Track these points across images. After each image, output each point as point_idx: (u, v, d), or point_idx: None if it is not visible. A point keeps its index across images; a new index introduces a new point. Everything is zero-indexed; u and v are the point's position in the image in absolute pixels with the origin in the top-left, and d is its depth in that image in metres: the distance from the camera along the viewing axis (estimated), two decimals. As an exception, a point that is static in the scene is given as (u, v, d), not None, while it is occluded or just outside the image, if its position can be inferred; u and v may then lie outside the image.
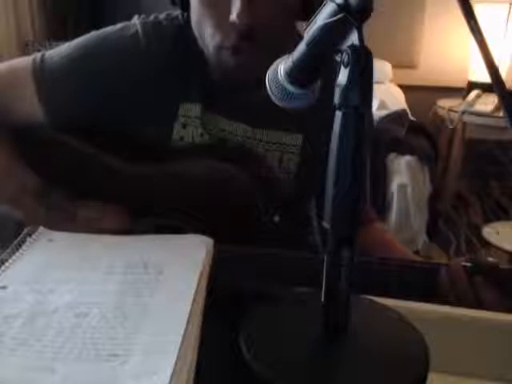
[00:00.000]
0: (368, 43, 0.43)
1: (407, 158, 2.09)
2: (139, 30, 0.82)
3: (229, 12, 0.72)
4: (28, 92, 0.81)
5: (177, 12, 0.84)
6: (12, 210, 0.75)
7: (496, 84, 0.39)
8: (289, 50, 0.52)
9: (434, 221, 2.23)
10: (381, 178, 2.00)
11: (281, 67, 0.52)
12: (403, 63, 3.07)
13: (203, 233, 0.63)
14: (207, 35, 0.77)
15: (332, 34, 0.46)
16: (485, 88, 2.66)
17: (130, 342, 0.45)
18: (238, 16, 0.71)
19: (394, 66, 2.97)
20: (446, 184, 2.77)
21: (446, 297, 0.66)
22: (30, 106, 0.82)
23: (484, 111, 2.58)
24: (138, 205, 0.75)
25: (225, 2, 0.72)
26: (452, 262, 0.70)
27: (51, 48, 0.86)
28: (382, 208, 1.95)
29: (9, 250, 0.59)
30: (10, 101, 0.82)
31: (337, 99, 0.44)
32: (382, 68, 2.86)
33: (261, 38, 0.74)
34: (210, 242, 0.62)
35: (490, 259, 0.69)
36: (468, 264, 0.68)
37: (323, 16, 0.46)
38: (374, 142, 1.72)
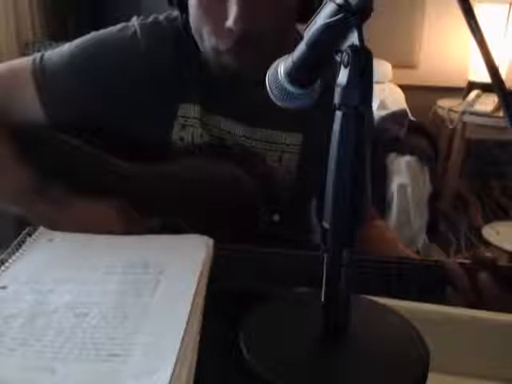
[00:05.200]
0: (368, 43, 0.43)
1: (407, 158, 2.09)
2: (138, 31, 0.82)
3: (226, 16, 0.71)
4: (28, 92, 0.81)
5: (177, 12, 0.84)
6: (12, 208, 0.75)
7: (496, 84, 0.39)
8: (289, 50, 0.52)
9: (433, 221, 2.22)
10: (381, 178, 2.00)
11: (281, 67, 0.52)
12: (403, 63, 3.07)
13: (203, 233, 0.63)
14: (205, 37, 0.77)
15: (332, 34, 0.46)
16: (485, 88, 2.66)
17: (129, 341, 0.45)
18: (235, 22, 0.70)
19: (393, 66, 2.97)
20: (446, 184, 2.77)
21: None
22: (29, 106, 0.82)
23: (484, 111, 2.58)
24: (138, 205, 0.75)
25: (222, 6, 0.72)
26: (449, 260, 0.71)
27: (51, 48, 0.86)
28: (382, 208, 1.95)
29: (9, 250, 0.59)
30: (10, 101, 0.82)
31: (337, 99, 0.44)
32: (382, 68, 2.86)
33: (259, 41, 0.74)
34: (210, 241, 0.62)
35: (488, 254, 0.69)
36: (466, 262, 0.68)
37: (323, 16, 0.46)
38: (373, 142, 1.72)
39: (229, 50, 0.75)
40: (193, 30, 0.79)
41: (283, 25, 0.77)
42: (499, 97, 0.39)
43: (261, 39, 0.74)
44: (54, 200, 0.75)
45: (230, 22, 0.71)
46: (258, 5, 0.71)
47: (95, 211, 0.74)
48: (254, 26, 0.72)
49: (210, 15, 0.74)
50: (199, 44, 0.79)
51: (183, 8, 0.80)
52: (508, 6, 2.66)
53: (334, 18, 0.44)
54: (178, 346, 0.44)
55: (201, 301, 0.51)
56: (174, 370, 0.41)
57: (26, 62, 0.83)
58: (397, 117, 2.21)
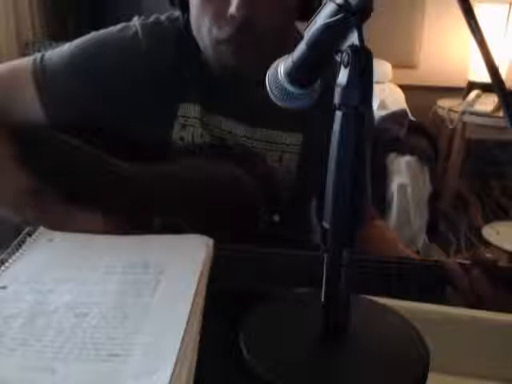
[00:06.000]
0: (368, 43, 0.43)
1: (407, 158, 2.09)
2: (139, 31, 0.82)
3: (227, 6, 0.72)
4: (28, 93, 0.81)
5: (178, 12, 0.84)
6: (10, 211, 0.75)
7: (496, 84, 0.39)
8: (289, 49, 0.52)
9: (433, 221, 2.22)
10: (381, 178, 2.00)
11: (281, 67, 0.52)
12: (403, 63, 3.07)
13: (203, 233, 0.63)
14: (205, 31, 0.77)
15: (332, 33, 0.46)
16: (485, 88, 2.66)
17: (129, 341, 0.45)
18: (237, 8, 0.71)
19: (393, 66, 2.96)
20: (446, 184, 2.77)
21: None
22: (30, 106, 0.82)
23: (484, 111, 2.58)
24: (138, 205, 0.75)
25: None
26: (449, 260, 0.71)
27: (51, 48, 0.86)
28: (382, 208, 1.95)
29: (9, 250, 0.59)
30: (10, 101, 0.82)
31: (337, 99, 0.44)
32: (381, 68, 2.85)
33: (260, 34, 0.74)
34: (210, 241, 0.62)
35: (489, 255, 0.69)
36: (466, 262, 0.68)
37: (323, 16, 0.46)
38: (374, 141, 1.72)
39: (229, 39, 0.74)
40: (193, 26, 0.79)
41: (284, 19, 0.77)
42: (499, 97, 0.39)
43: (261, 32, 0.74)
44: (52, 203, 0.74)
45: (232, 9, 0.71)
46: None
47: (93, 225, 0.73)
48: (255, 16, 0.72)
49: (212, 5, 0.74)
50: (199, 42, 0.79)
51: (184, 8, 0.80)
52: (508, 5, 2.66)
53: (334, 18, 0.44)
54: (178, 346, 0.44)
55: (201, 301, 0.51)
56: (174, 370, 0.41)
57: (26, 62, 0.83)
58: (397, 117, 2.21)
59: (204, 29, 0.77)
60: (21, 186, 0.76)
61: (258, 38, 0.74)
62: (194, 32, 0.79)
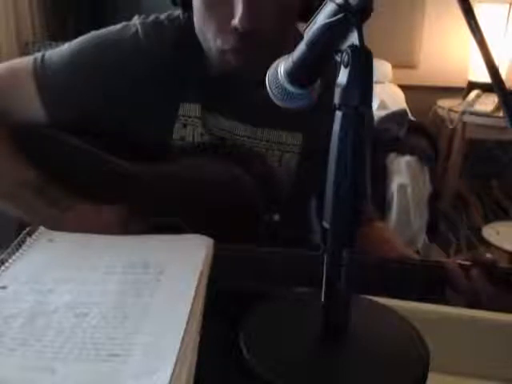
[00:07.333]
0: (368, 43, 0.43)
1: (407, 158, 2.09)
2: (139, 30, 0.82)
3: (231, 15, 0.71)
4: (28, 92, 0.81)
5: (178, 12, 0.84)
6: (11, 205, 0.76)
7: (496, 84, 0.39)
8: (289, 49, 0.52)
9: (433, 221, 2.22)
10: (381, 178, 2.00)
11: (281, 67, 0.52)
12: (403, 63, 3.07)
13: (203, 233, 0.63)
14: (209, 38, 0.77)
15: (332, 34, 0.46)
16: (485, 88, 2.66)
17: (129, 341, 0.45)
18: (241, 21, 0.70)
19: (393, 66, 2.97)
20: (446, 184, 2.77)
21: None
22: (30, 106, 0.82)
23: (484, 111, 2.59)
24: (138, 204, 0.75)
25: (227, 6, 0.72)
26: (448, 260, 0.71)
27: (51, 48, 0.86)
28: (382, 208, 1.95)
29: (9, 250, 0.59)
30: (11, 101, 0.82)
31: (337, 99, 0.44)
32: (381, 68, 2.86)
33: (262, 40, 0.74)
34: (210, 241, 0.62)
35: (488, 255, 0.69)
36: (466, 262, 0.68)
37: (323, 16, 0.46)
38: (373, 141, 1.72)
39: (233, 49, 0.74)
40: (197, 30, 0.79)
41: (285, 24, 0.77)
42: (499, 97, 0.39)
43: (264, 38, 0.74)
44: (55, 201, 0.75)
45: (235, 22, 0.71)
46: (262, 4, 0.71)
47: (95, 213, 0.74)
48: (259, 25, 0.72)
49: (215, 15, 0.74)
50: (203, 43, 0.79)
51: (186, 7, 0.80)
52: (508, 5, 2.66)
53: (334, 18, 0.44)
54: (178, 346, 0.44)
55: (201, 301, 0.51)
56: (174, 370, 0.41)
57: (26, 61, 0.83)
58: (397, 117, 2.21)
59: (209, 37, 0.76)
60: (22, 183, 0.76)
61: (261, 43, 0.74)
62: (199, 36, 0.79)
